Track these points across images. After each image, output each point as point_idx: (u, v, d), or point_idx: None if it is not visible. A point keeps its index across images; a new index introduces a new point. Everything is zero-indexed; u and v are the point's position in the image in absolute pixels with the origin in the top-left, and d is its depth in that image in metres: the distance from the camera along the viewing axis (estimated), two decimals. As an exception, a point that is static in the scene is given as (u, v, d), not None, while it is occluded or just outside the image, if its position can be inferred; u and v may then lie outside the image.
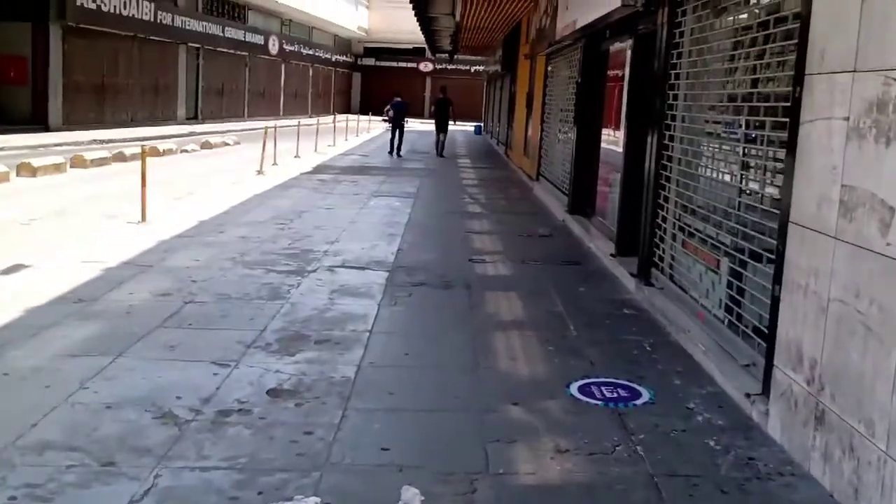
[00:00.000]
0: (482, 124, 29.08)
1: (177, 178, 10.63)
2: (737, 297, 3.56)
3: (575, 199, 8.11)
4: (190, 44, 23.96)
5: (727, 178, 3.89)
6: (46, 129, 17.39)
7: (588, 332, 4.24)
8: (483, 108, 30.82)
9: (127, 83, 20.96)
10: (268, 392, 3.13)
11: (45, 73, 17.81)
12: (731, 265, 3.65)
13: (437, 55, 29.03)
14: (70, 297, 4.43)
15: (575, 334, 4.19)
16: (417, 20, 15.60)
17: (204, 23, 24.67)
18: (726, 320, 3.69)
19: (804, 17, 2.86)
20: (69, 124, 18.18)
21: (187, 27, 23.50)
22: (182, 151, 15.07)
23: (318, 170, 12.93)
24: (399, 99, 17.17)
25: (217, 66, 26.13)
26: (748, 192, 3.62)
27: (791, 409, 2.77)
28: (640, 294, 4.92)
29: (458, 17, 14.07)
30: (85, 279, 4.85)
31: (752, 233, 3.42)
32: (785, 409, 2.82)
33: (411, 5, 13.62)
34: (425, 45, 24.56)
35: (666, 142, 4.68)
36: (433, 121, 17.78)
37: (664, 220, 4.72)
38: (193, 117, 24.58)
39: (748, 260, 3.45)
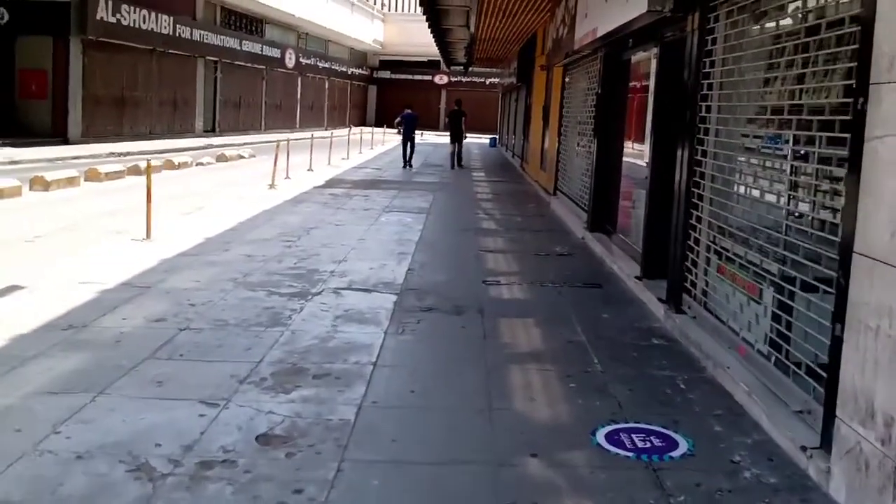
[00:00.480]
0: (497, 136, 28.82)
1: (189, 192, 10.47)
2: (785, 331, 3.17)
3: (595, 215, 7.72)
4: (208, 57, 24.12)
5: (771, 197, 3.50)
6: (66, 142, 17.50)
7: (613, 365, 3.86)
8: (498, 120, 30.59)
9: (146, 96, 21.10)
10: (257, 438, 2.81)
11: (64, 86, 17.96)
12: (778, 295, 3.25)
13: (452, 68, 28.87)
14: (60, 322, 4.18)
15: (599, 369, 3.82)
16: (432, 32, 15.44)
17: (222, 36, 24.85)
18: (773, 357, 3.29)
19: (866, 20, 2.50)
20: (88, 137, 18.29)
21: (205, 41, 23.66)
22: (197, 164, 15.00)
23: (330, 184, 12.72)
24: (410, 111, 17.00)
25: (235, 79, 26.29)
26: (797, 214, 3.24)
27: (861, 471, 2.37)
28: (669, 322, 4.53)
29: (472, 29, 13.85)
30: (79, 302, 4.60)
31: (803, 260, 3.03)
32: (853, 470, 2.42)
33: (425, 17, 13.45)
34: (440, 58, 24.45)
35: (698, 157, 4.31)
36: (448, 132, 17.61)
37: (697, 241, 4.33)
38: (211, 130, 24.70)
39: (798, 290, 3.06)
